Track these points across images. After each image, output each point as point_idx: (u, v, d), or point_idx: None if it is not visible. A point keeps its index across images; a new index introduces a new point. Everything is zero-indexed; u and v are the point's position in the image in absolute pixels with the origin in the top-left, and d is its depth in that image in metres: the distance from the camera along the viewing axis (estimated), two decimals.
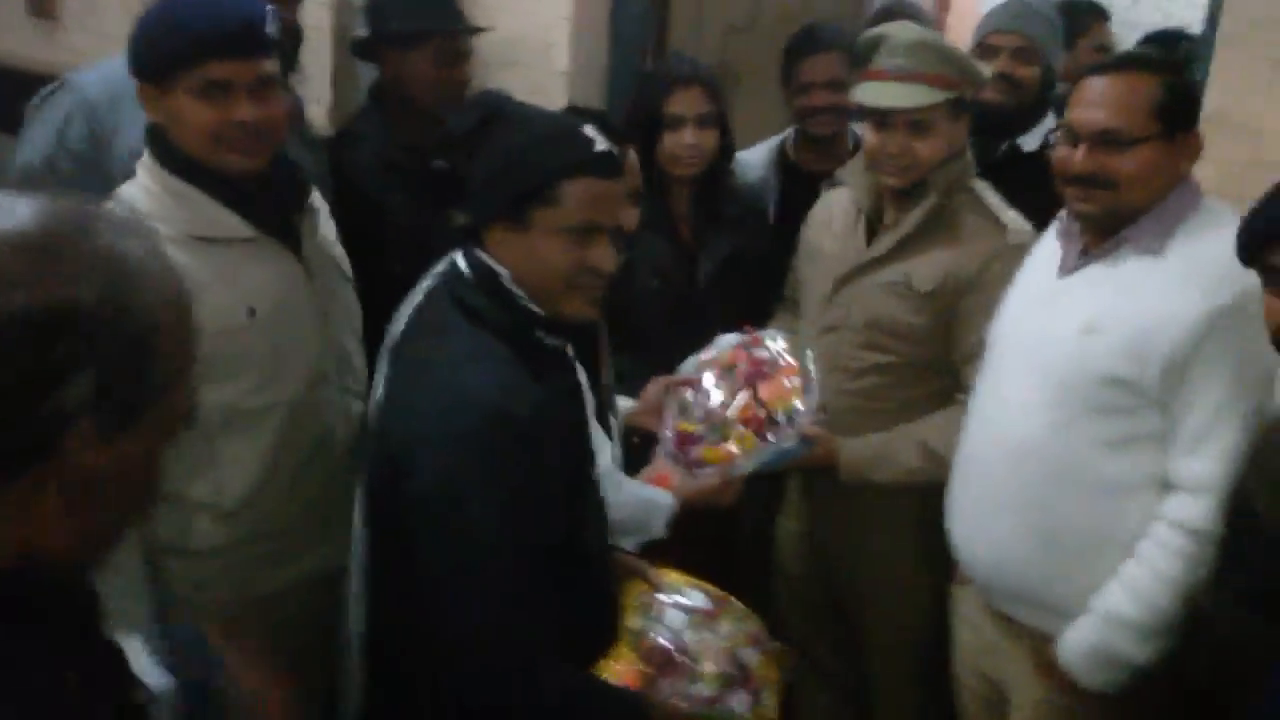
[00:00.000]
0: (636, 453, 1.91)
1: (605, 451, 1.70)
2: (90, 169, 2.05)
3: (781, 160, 2.64)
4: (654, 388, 1.92)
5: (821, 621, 2.29)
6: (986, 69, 2.09)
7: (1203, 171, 1.72)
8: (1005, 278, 1.85)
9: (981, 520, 1.76)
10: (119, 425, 0.75)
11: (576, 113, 1.51)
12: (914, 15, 2.87)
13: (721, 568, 1.92)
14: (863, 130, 2.10)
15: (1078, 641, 1.63)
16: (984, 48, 2.63)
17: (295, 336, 1.68)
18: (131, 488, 0.81)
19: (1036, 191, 1.91)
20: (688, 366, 1.95)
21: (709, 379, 1.90)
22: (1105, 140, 1.59)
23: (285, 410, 1.67)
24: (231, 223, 1.62)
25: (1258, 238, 1.32)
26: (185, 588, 1.66)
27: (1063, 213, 1.75)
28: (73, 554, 0.80)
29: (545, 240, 1.38)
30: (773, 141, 2.68)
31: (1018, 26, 2.58)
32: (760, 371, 1.89)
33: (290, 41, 2.08)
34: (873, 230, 2.07)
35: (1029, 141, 2.44)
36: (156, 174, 1.61)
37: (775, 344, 1.94)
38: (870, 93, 1.97)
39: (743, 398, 1.86)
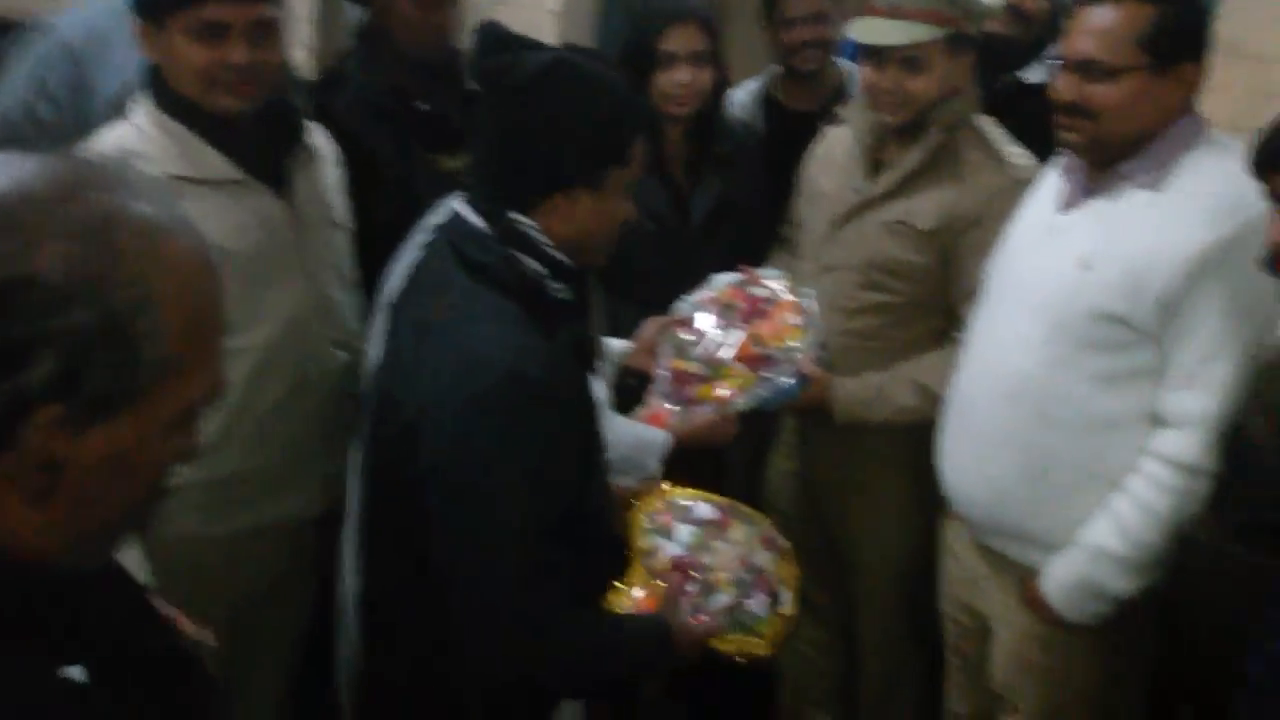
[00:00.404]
0: (633, 394, 1.91)
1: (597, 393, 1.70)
2: (71, 114, 2.03)
3: (766, 99, 2.61)
4: (649, 328, 1.91)
5: (811, 558, 2.29)
6: (997, 1, 2.05)
7: (1214, 102, 1.69)
8: (1007, 215, 1.84)
9: (972, 455, 1.78)
10: (94, 414, 0.67)
11: (581, 54, 1.45)
12: None
13: None
14: (860, 67, 2.06)
15: (1062, 574, 1.65)
16: None
17: (273, 281, 1.68)
18: (120, 483, 0.73)
19: (1041, 125, 1.88)
20: (683, 306, 1.95)
21: (706, 318, 1.90)
22: (1088, 69, 1.58)
23: (258, 354, 1.67)
24: (218, 164, 1.63)
25: (1268, 158, 1.33)
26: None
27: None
28: (52, 553, 0.72)
29: (615, 200, 1.37)
30: (757, 80, 2.66)
31: None
32: (758, 309, 1.90)
33: None
34: (874, 169, 2.06)
35: (1034, 74, 2.40)
36: (151, 113, 1.64)
37: (774, 282, 1.92)
38: (863, 29, 1.96)
39: (740, 335, 1.85)
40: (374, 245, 1.98)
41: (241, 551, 1.74)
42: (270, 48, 1.63)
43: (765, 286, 1.92)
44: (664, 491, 1.70)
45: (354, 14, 2.50)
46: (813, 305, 1.91)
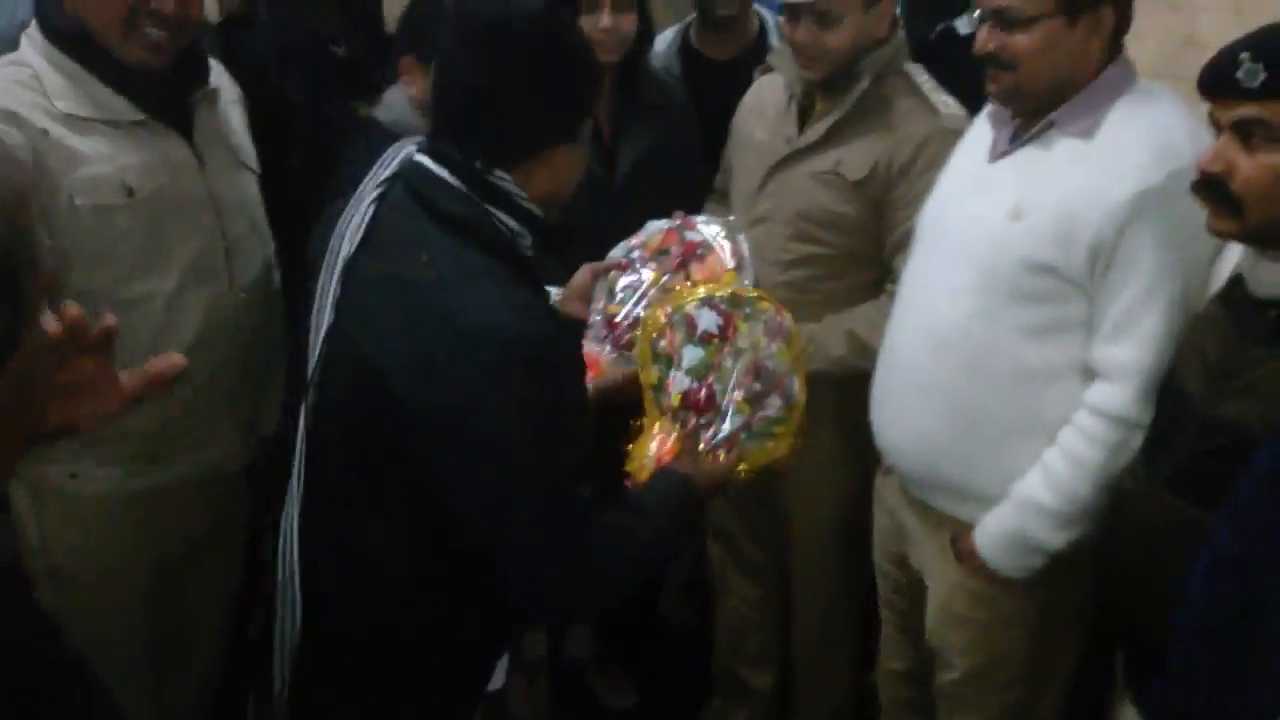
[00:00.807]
0: None
1: None
2: None
3: (683, 47, 2.57)
4: (581, 274, 1.86)
5: (746, 513, 2.32)
6: None
7: (1138, 50, 1.68)
8: (938, 163, 1.84)
9: (904, 408, 1.78)
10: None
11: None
12: None
13: None
14: (773, 23, 2.04)
15: (994, 528, 1.67)
16: None
17: (178, 225, 1.63)
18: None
19: (973, 74, 1.86)
20: (616, 252, 1.92)
21: (640, 262, 1.86)
22: (1003, 19, 1.58)
23: (162, 302, 1.63)
24: (118, 105, 1.59)
25: (1200, 90, 1.35)
26: (60, 478, 1.65)
27: None
28: None
29: (582, 150, 1.37)
30: (675, 28, 2.62)
31: None
32: (693, 253, 1.87)
33: None
34: (804, 117, 2.04)
35: (966, 24, 2.39)
36: (43, 48, 1.58)
37: (708, 227, 1.89)
38: None
39: (675, 279, 1.81)
40: (285, 191, 1.91)
41: (161, 509, 1.71)
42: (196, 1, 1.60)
43: (699, 231, 1.89)
44: (665, 302, 1.69)
45: None
46: (746, 248, 1.89)
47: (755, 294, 1.73)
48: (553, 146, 1.31)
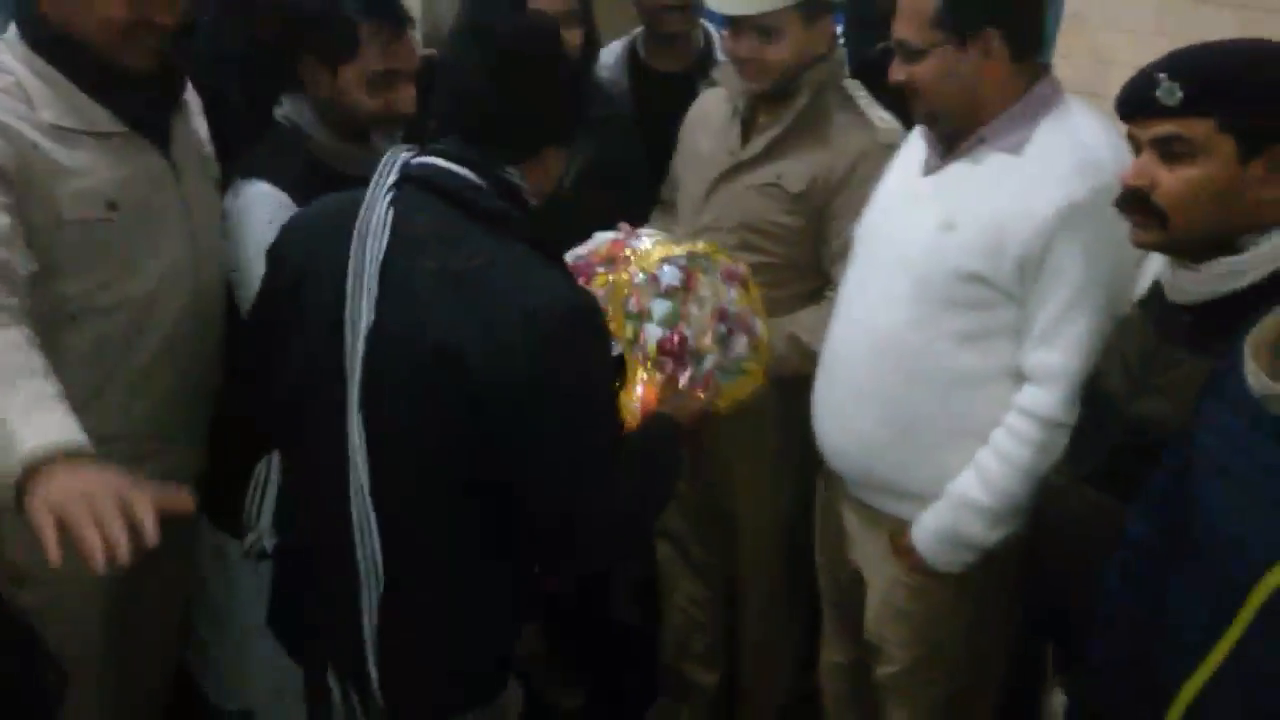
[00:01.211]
0: None
1: None
2: None
3: (631, 60, 2.63)
4: None
5: (694, 515, 2.38)
6: None
7: (1069, 71, 1.78)
8: (874, 176, 1.92)
9: (844, 411, 1.86)
10: None
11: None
12: None
13: None
14: (718, 38, 2.11)
15: (930, 524, 1.75)
16: None
17: (155, 236, 1.67)
18: None
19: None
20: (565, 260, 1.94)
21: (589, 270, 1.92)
22: (903, 51, 1.70)
23: (135, 308, 1.65)
24: (99, 115, 1.60)
25: (1118, 111, 1.44)
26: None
27: None
28: None
29: (567, 152, 1.52)
30: (623, 41, 2.68)
31: None
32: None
33: None
34: (748, 131, 2.11)
35: None
36: (23, 55, 1.57)
37: (650, 239, 1.94)
38: None
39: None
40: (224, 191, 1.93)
41: None
42: (180, 6, 1.63)
43: (644, 242, 1.95)
44: (628, 265, 1.83)
45: None
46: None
47: (709, 248, 1.88)
48: (550, 147, 1.47)
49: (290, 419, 1.53)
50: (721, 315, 1.81)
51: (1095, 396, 1.56)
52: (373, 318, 1.39)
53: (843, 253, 1.95)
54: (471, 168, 1.41)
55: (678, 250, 1.85)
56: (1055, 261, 1.60)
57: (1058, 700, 1.61)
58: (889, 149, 1.93)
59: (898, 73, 1.71)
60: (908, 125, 1.97)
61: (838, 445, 1.89)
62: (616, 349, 1.78)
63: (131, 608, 1.79)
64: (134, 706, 1.91)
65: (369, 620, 1.46)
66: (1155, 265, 1.52)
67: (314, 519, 1.54)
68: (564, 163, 1.52)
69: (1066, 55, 1.95)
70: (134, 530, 1.07)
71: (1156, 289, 1.49)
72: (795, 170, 2.03)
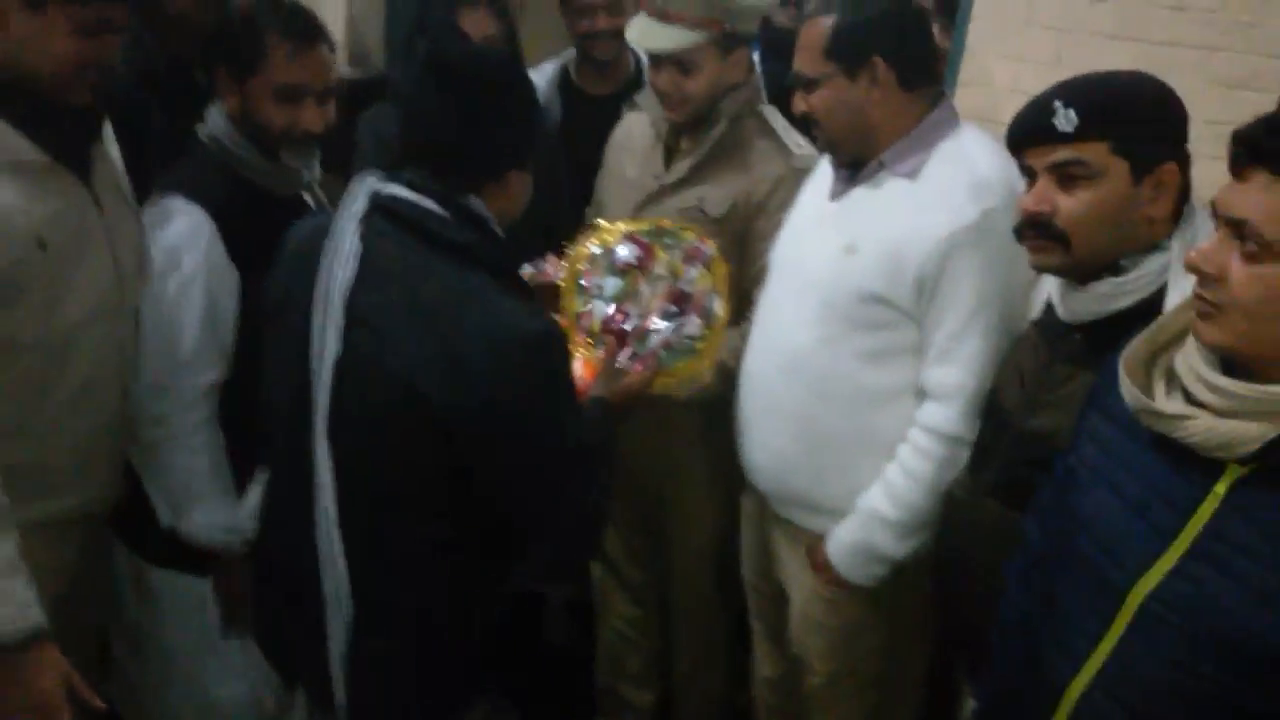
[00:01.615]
0: None
1: None
2: None
3: (563, 82, 2.69)
4: None
5: (626, 532, 2.43)
6: None
7: (969, 97, 1.86)
8: (791, 201, 2.00)
9: (760, 429, 1.93)
10: None
11: None
12: None
13: None
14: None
15: (843, 538, 1.82)
16: None
17: (82, 268, 1.66)
18: None
19: None
20: None
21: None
22: (800, 82, 1.80)
23: (59, 342, 1.64)
24: (23, 147, 1.58)
25: (1010, 144, 1.52)
26: None
27: None
28: None
29: (529, 175, 1.55)
30: (554, 63, 2.74)
31: None
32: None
33: None
34: (670, 155, 2.18)
35: None
36: None
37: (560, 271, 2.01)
38: (636, 32, 2.09)
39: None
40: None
41: (37, 544, 1.63)
42: (115, 40, 1.63)
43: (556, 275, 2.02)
44: (590, 236, 1.89)
45: None
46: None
47: (678, 225, 1.95)
48: (509, 171, 1.51)
49: (266, 440, 1.59)
50: (675, 295, 1.87)
51: (993, 412, 1.63)
52: (339, 348, 1.42)
53: (762, 275, 2.01)
54: (434, 198, 1.45)
55: (643, 226, 1.91)
56: (949, 282, 1.68)
57: (969, 707, 1.68)
58: (805, 174, 2.00)
59: (799, 103, 1.81)
60: None
61: (756, 461, 1.95)
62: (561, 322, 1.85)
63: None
64: None
65: (335, 645, 1.49)
66: (1048, 285, 1.59)
67: (283, 543, 1.57)
68: (528, 185, 1.55)
69: (967, 84, 2.04)
70: None
71: (1049, 308, 1.57)
72: (716, 195, 2.10)
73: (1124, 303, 1.44)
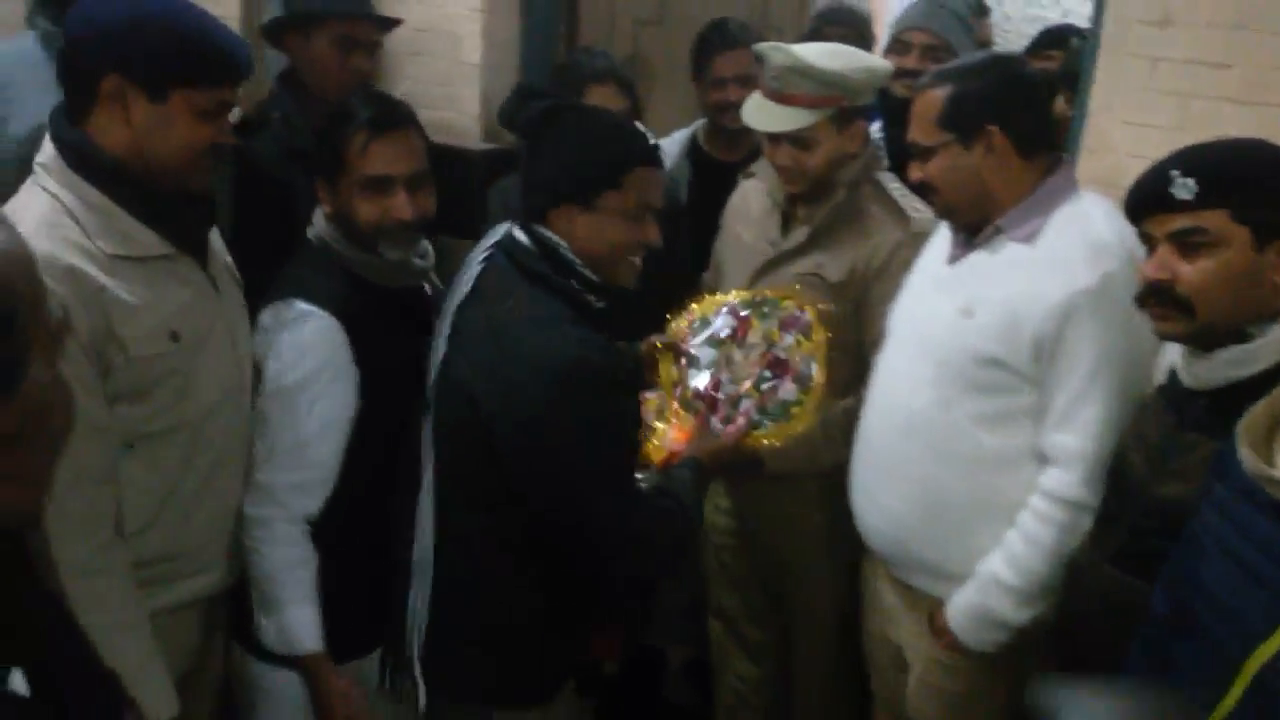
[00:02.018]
0: None
1: None
2: None
3: (693, 149, 2.80)
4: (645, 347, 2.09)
5: (746, 593, 2.47)
6: (884, 69, 2.23)
7: (1093, 163, 1.88)
8: (909, 265, 2.03)
9: (876, 491, 1.95)
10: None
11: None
12: (848, 20, 3.01)
13: None
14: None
15: (962, 604, 1.82)
16: (897, 43, 2.81)
17: (208, 356, 1.67)
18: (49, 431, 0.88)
19: None
20: None
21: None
22: (917, 151, 1.84)
23: (190, 431, 1.66)
24: (150, 240, 1.60)
25: (1128, 212, 1.54)
26: None
27: None
28: None
29: (610, 220, 1.66)
30: (685, 131, 2.85)
31: (928, 24, 2.78)
32: None
33: None
34: (786, 221, 2.24)
35: None
36: (68, 180, 1.55)
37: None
38: (753, 113, 2.15)
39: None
40: None
41: (161, 631, 1.65)
42: (229, 125, 1.66)
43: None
44: (690, 309, 2.01)
45: (277, 60, 2.60)
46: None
47: (777, 294, 2.03)
48: (564, 206, 1.65)
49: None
50: (769, 362, 1.94)
51: (1118, 479, 1.63)
52: (444, 351, 1.69)
53: (880, 340, 2.04)
54: (526, 233, 1.68)
55: (744, 297, 2.00)
56: (1068, 346, 1.69)
57: None
58: (923, 237, 2.04)
59: (914, 171, 1.86)
60: None
61: (873, 525, 1.97)
62: (654, 393, 1.98)
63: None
64: None
65: (414, 612, 1.70)
66: (1172, 351, 1.59)
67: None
68: (597, 223, 1.65)
69: (1089, 150, 2.06)
70: None
71: (1174, 375, 1.56)
72: (834, 262, 2.14)
73: (1251, 370, 1.44)
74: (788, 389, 1.93)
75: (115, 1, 1.54)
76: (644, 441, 1.90)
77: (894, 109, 2.65)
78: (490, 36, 2.87)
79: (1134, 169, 1.54)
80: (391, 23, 2.56)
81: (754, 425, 1.92)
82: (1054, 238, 1.75)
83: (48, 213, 1.53)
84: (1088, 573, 1.64)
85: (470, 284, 1.70)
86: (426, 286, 1.95)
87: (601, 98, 2.34)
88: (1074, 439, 1.71)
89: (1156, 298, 1.49)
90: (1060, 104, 2.31)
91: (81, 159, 1.55)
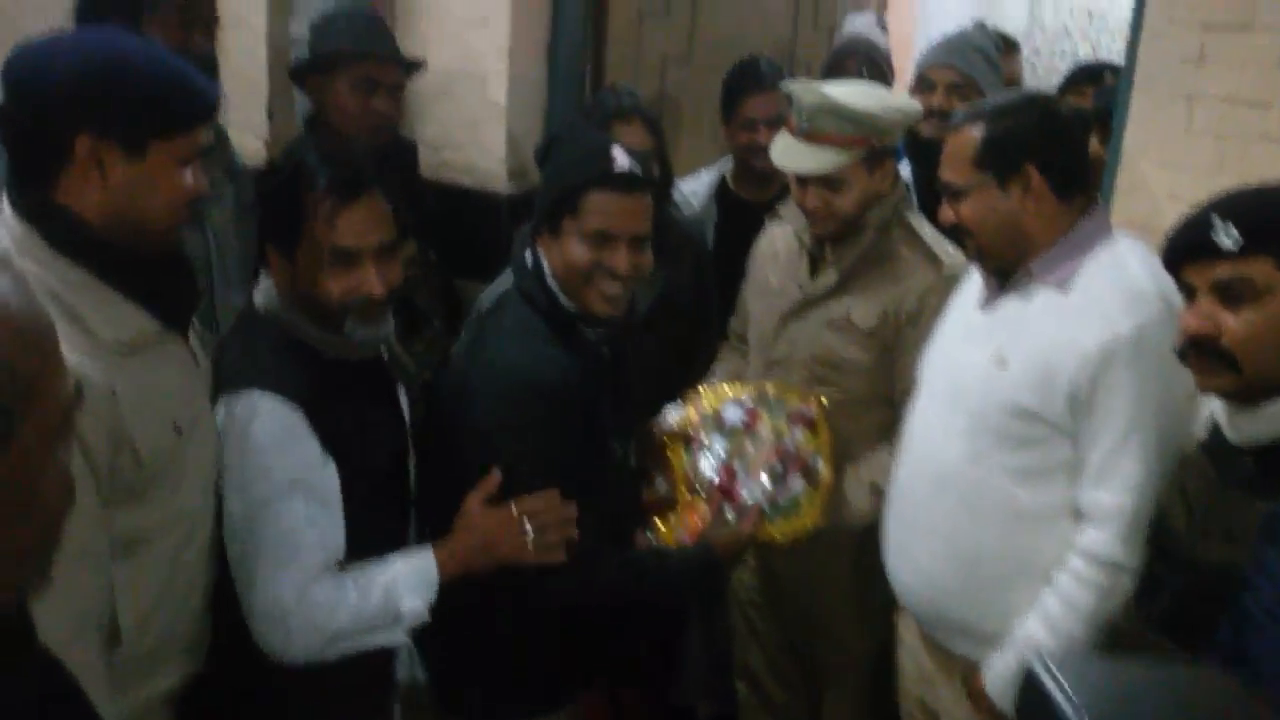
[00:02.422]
0: None
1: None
2: None
3: (721, 191, 2.78)
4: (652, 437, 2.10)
5: (772, 653, 2.40)
6: (914, 109, 2.19)
7: (1128, 204, 1.83)
8: (942, 309, 1.98)
9: (909, 549, 1.89)
10: None
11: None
12: (869, 53, 2.99)
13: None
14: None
15: (999, 668, 1.75)
16: (922, 81, 2.77)
17: (197, 443, 1.52)
18: (17, 508, 0.84)
19: None
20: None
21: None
22: (949, 193, 1.78)
23: (183, 524, 1.51)
24: (140, 321, 1.44)
25: (1166, 261, 1.48)
26: None
27: None
28: None
29: (570, 243, 1.70)
30: (713, 171, 2.82)
31: (954, 62, 2.74)
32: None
33: (212, 74, 2.15)
34: (815, 264, 2.19)
35: None
36: (45, 259, 1.36)
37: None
38: (782, 153, 2.10)
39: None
40: None
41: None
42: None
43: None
44: (700, 400, 2.04)
45: (305, 104, 2.62)
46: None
47: (779, 390, 2.04)
48: (546, 228, 1.73)
49: None
50: (780, 454, 1.94)
51: (1160, 539, 1.56)
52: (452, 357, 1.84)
53: (912, 388, 1.98)
54: (530, 252, 1.77)
55: (748, 391, 1.99)
56: (1103, 398, 1.63)
57: None
58: (955, 281, 1.99)
59: (946, 213, 1.80)
60: None
61: (907, 584, 1.91)
62: (662, 487, 1.99)
63: None
64: None
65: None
66: (1213, 402, 1.52)
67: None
68: (563, 247, 1.70)
69: (1124, 192, 2.01)
70: None
71: (1216, 428, 1.50)
72: (865, 306, 2.09)
73: None
74: (796, 482, 1.96)
75: (69, 52, 1.38)
76: (656, 527, 1.94)
77: (920, 149, 2.62)
78: (516, 78, 2.87)
79: (1171, 211, 1.50)
80: (414, 65, 2.56)
81: (764, 518, 1.94)
82: (1088, 283, 1.69)
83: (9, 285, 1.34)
84: (1130, 638, 1.57)
85: (489, 302, 1.79)
86: (384, 351, 1.77)
87: (626, 135, 2.30)
88: (1111, 495, 1.64)
89: (1198, 351, 1.42)
90: (1094, 144, 2.25)
91: (67, 234, 1.37)
